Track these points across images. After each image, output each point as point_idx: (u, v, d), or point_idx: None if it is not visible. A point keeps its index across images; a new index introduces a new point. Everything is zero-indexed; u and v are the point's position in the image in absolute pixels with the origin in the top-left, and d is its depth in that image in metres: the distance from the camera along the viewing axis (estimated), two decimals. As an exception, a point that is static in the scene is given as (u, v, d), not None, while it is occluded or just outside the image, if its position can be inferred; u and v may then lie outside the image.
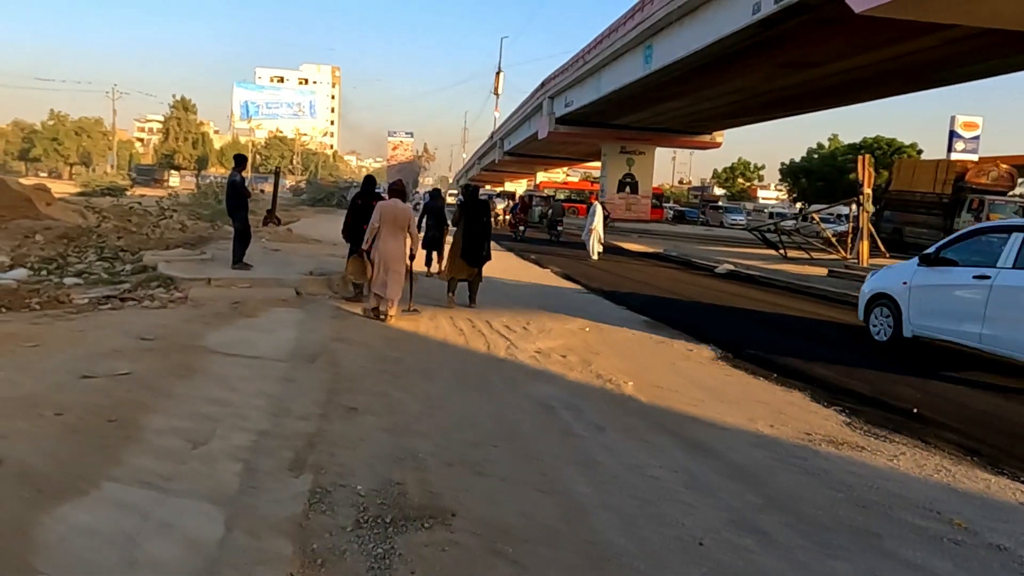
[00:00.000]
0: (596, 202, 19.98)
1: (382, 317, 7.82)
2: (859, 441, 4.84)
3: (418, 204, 22.01)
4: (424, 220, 11.99)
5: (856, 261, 15.82)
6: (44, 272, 9.91)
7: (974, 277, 7.02)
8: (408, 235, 7.84)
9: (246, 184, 9.86)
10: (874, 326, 8.41)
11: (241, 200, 9.75)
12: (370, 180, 9.86)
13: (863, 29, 18.38)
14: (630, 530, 3.30)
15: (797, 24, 18.56)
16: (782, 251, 19.25)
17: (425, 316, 8.40)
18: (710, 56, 22.84)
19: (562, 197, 46.14)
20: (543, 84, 42.10)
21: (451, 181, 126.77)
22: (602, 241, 18.44)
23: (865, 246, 14.45)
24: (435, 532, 3.12)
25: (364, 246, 7.93)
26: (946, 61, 20.74)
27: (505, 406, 5.17)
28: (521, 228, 26.03)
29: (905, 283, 7.96)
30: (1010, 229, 7.08)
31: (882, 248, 17.48)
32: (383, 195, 9.20)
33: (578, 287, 12.66)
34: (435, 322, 8.09)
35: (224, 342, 6.32)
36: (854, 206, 16.51)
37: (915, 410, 5.57)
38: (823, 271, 15.83)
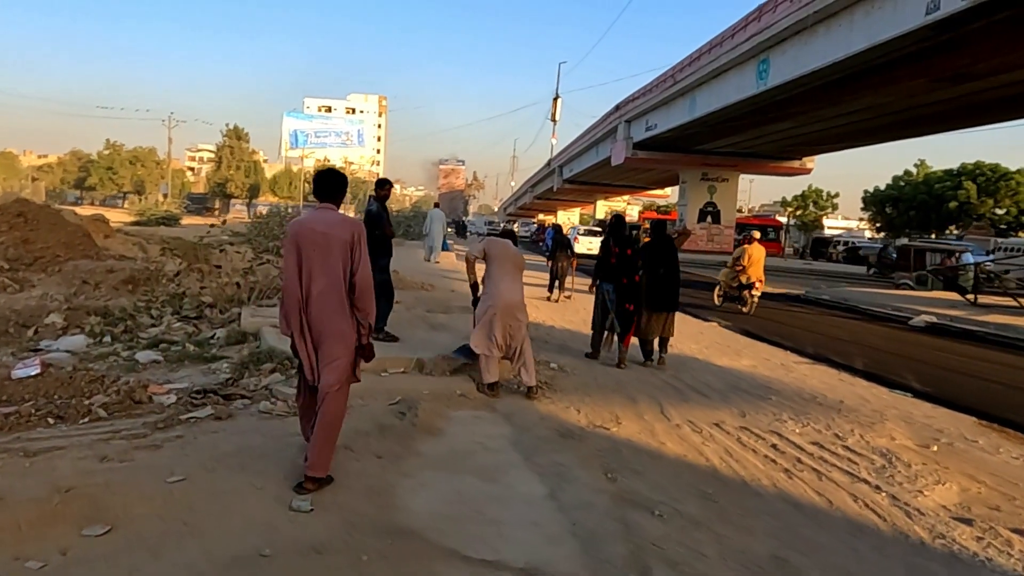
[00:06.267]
0: (436, 207, 20.85)
1: (532, 395, 5.76)
2: None
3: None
4: (555, 251, 13.78)
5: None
6: (108, 339, 7.23)
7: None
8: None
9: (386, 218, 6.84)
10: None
11: (384, 242, 6.76)
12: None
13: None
14: None
15: (986, 25, 15.34)
16: (971, 296, 15.85)
17: (675, 415, 5.43)
18: (849, 68, 19.70)
19: None
20: (618, 107, 39.21)
21: (497, 210, 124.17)
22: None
23: None
24: None
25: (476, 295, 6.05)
26: None
27: None
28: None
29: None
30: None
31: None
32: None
33: (788, 352, 9.55)
34: (708, 441, 5.06)
35: (439, 513, 3.44)
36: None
37: None
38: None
